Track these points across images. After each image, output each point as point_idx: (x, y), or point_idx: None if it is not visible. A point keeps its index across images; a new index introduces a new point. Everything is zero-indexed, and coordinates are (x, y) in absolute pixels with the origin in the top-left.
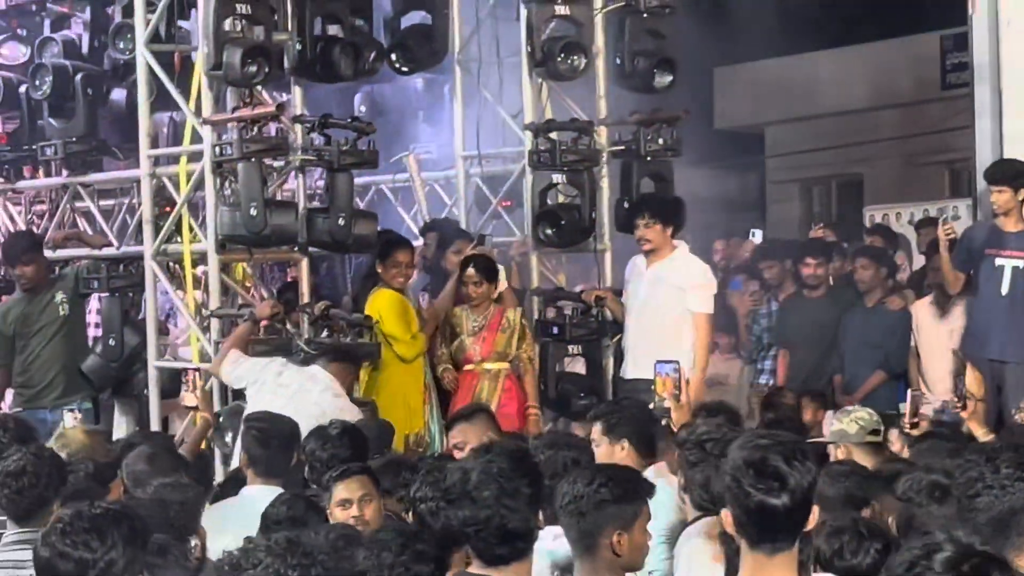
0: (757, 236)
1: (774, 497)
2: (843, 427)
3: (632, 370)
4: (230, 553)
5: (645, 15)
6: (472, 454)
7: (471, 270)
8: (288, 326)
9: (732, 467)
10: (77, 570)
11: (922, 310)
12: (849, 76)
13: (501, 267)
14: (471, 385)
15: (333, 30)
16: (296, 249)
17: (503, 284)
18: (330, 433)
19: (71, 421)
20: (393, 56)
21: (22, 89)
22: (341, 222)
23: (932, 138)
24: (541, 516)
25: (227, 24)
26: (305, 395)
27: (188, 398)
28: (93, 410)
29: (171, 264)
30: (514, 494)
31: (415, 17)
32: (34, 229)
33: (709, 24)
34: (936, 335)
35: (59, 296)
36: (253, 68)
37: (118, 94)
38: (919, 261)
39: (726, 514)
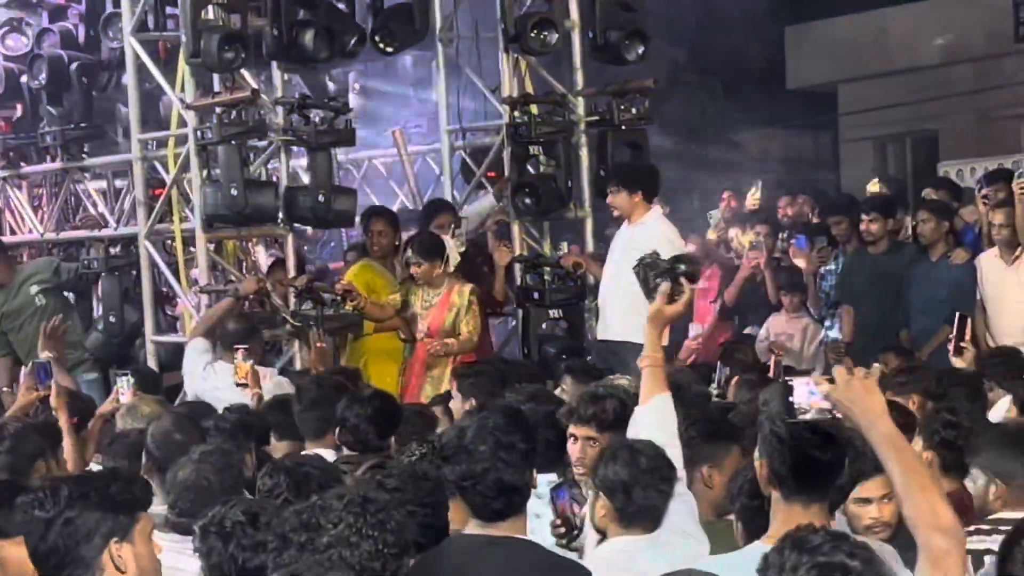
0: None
1: (818, 451)
2: None
3: (602, 331)
4: (306, 511)
5: None
6: (466, 413)
7: (409, 252)
8: (273, 300)
9: (772, 418)
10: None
11: (988, 263)
12: (921, 32)
13: (450, 243)
14: (421, 359)
15: (309, 15)
16: (280, 226)
17: (455, 258)
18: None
19: (127, 389)
20: (377, 37)
21: (23, 79)
22: (321, 199)
23: (1006, 92)
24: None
25: (205, 13)
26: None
27: None
28: (101, 380)
29: (166, 243)
30: (510, 448)
31: None
32: (36, 212)
33: None
34: (1003, 287)
35: (33, 288)
36: (231, 54)
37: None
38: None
39: (760, 464)
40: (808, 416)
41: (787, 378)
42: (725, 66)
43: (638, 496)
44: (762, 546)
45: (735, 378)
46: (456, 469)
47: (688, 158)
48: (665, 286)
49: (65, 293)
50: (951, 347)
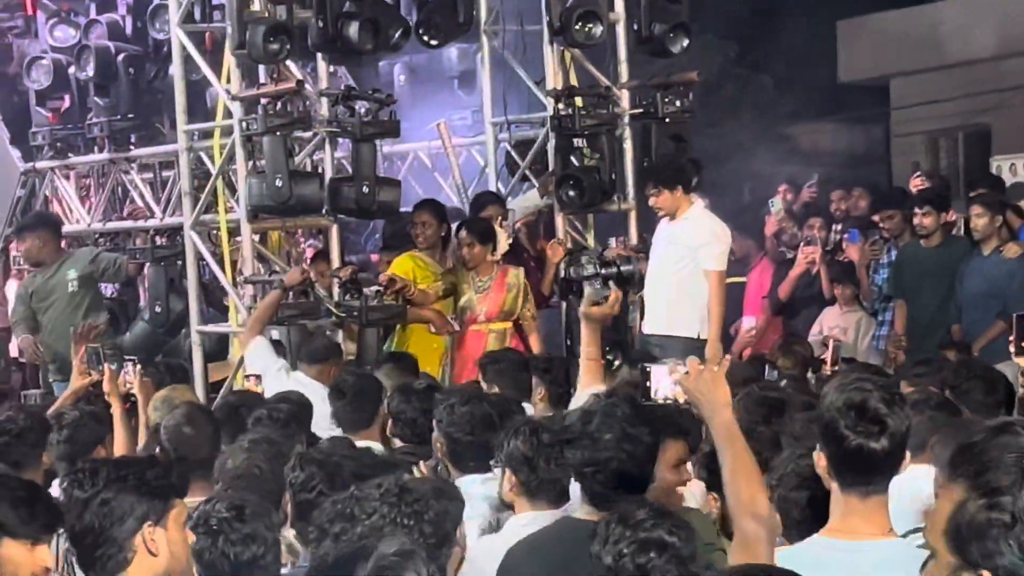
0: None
1: (873, 441)
2: None
3: (648, 325)
4: (342, 502)
5: None
6: (593, 398)
7: (463, 232)
8: (317, 291)
9: (830, 409)
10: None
11: None
12: (974, 25)
13: (500, 230)
14: (479, 345)
15: (354, 7)
16: (325, 217)
17: (503, 247)
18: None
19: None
20: (421, 30)
21: (71, 70)
22: (365, 190)
23: None
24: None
25: (251, 4)
26: None
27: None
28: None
29: (212, 233)
30: (635, 440)
31: None
32: (84, 203)
33: None
34: None
35: (71, 273)
36: (276, 46)
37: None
38: None
39: (819, 456)
40: (660, 400)
41: (646, 365)
42: (777, 60)
43: (541, 470)
44: (823, 539)
45: (783, 381)
46: (578, 455)
47: (739, 152)
48: (589, 291)
49: (100, 286)
50: (1012, 347)
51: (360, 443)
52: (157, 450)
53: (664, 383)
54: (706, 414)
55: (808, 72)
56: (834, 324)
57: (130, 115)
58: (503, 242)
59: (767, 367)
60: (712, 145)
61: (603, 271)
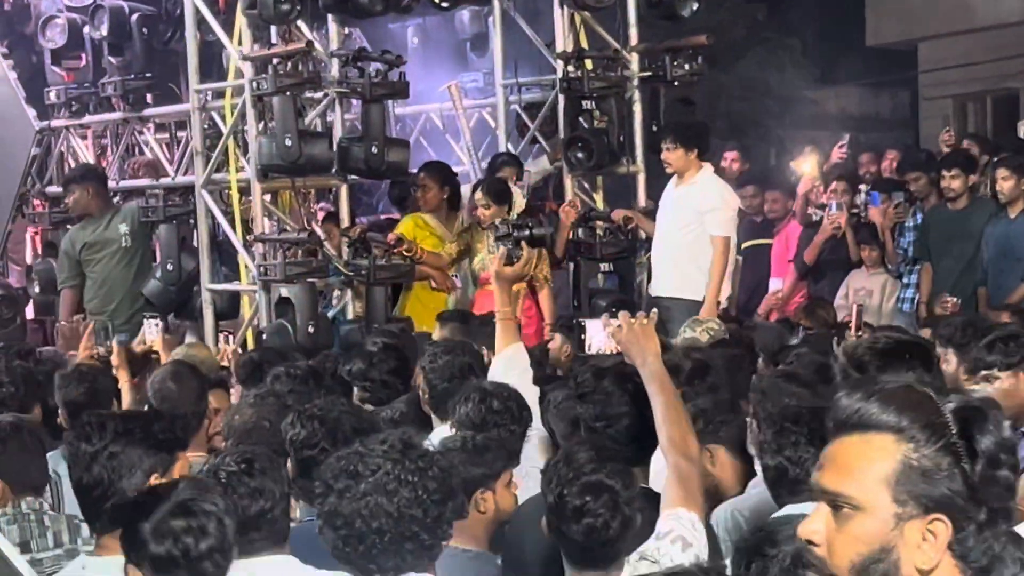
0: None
1: None
2: (696, 335)
3: (655, 288)
4: (345, 458)
5: None
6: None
7: (479, 193)
8: (326, 249)
9: None
10: None
11: None
12: None
13: (516, 190)
14: (491, 304)
15: None
16: (335, 176)
17: (519, 206)
18: (372, 351)
19: (154, 331)
20: None
21: (86, 30)
22: (375, 150)
23: None
24: None
25: None
26: None
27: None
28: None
29: (223, 192)
30: (646, 400)
31: None
32: (101, 162)
33: None
34: None
35: (123, 227)
36: (286, 7)
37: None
38: None
39: None
40: (594, 352)
41: (581, 319)
42: (804, 23)
43: (491, 435)
44: None
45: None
46: (591, 409)
47: (765, 115)
48: (502, 250)
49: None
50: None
51: None
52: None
53: (598, 336)
54: (638, 363)
55: (836, 35)
56: (860, 286)
57: (144, 75)
58: (519, 200)
59: (799, 325)
60: (739, 107)
61: (515, 233)
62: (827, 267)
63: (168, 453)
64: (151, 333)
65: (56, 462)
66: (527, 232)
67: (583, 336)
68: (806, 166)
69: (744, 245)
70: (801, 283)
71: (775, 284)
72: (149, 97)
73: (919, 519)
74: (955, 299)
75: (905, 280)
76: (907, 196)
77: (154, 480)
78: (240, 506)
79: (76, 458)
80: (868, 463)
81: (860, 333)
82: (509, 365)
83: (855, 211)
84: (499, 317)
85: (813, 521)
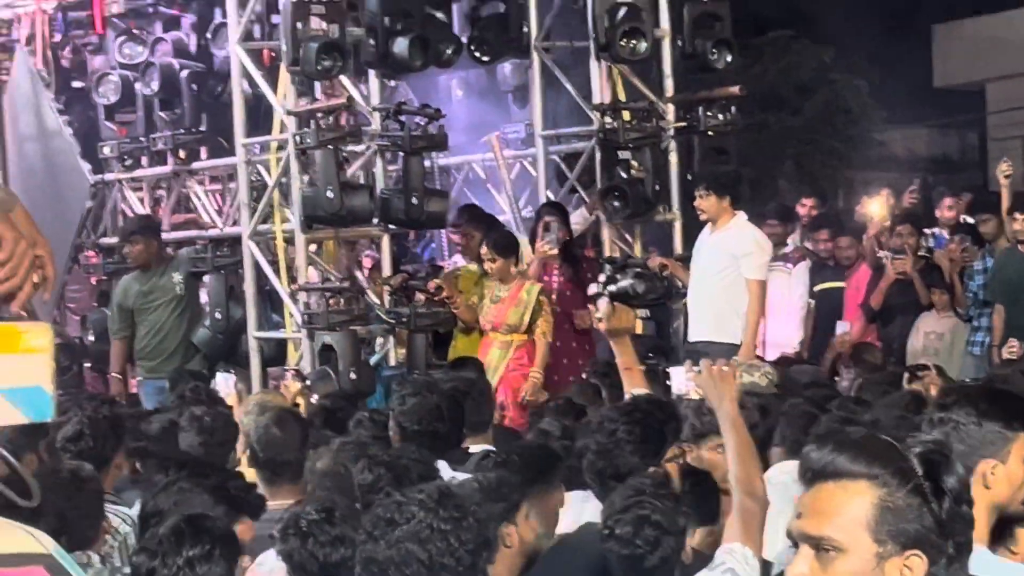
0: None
1: None
2: (755, 379)
3: (693, 333)
4: (384, 506)
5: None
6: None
7: (484, 247)
8: (369, 297)
9: None
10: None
11: None
12: None
13: (524, 242)
14: (485, 352)
15: (405, 25)
16: (376, 227)
17: (529, 258)
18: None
19: (227, 384)
20: (472, 47)
21: (138, 86)
22: (415, 201)
23: None
24: None
25: (305, 23)
26: None
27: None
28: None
29: (269, 243)
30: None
31: (492, 8)
32: (154, 213)
33: None
34: None
35: (176, 276)
36: (328, 63)
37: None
38: None
39: None
40: (682, 396)
41: (666, 367)
42: (871, 65)
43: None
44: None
45: (860, 380)
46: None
47: (833, 157)
48: (603, 306)
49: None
50: None
51: (474, 448)
52: (246, 452)
53: (681, 381)
54: (715, 405)
55: (903, 77)
56: (930, 329)
57: (193, 129)
58: (528, 255)
59: (842, 368)
60: (807, 150)
61: (603, 290)
62: (897, 310)
63: (233, 511)
64: (226, 385)
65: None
66: (614, 288)
67: (668, 381)
68: (874, 208)
69: (816, 288)
70: (871, 327)
71: (841, 327)
72: (204, 150)
73: (897, 556)
74: (1021, 344)
75: (975, 323)
76: (975, 238)
77: None
78: (322, 554)
79: (148, 485)
80: (848, 508)
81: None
82: None
83: (923, 254)
84: (621, 367)
85: (799, 564)
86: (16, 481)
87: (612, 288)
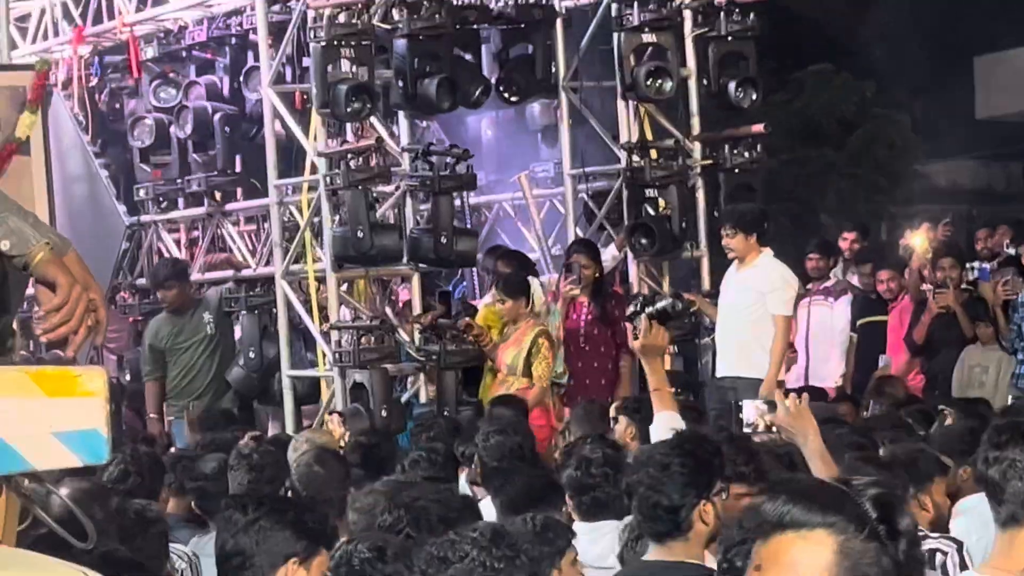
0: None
1: None
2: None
3: (721, 369)
4: (439, 544)
5: (729, 39)
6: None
7: (495, 289)
8: (399, 335)
9: None
10: None
11: None
12: None
13: (536, 284)
14: (496, 391)
15: (433, 67)
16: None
17: (540, 300)
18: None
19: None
20: (501, 87)
21: (172, 129)
22: (444, 240)
23: None
24: None
25: (335, 66)
26: None
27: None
28: (240, 418)
29: (301, 282)
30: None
31: (520, 49)
32: (189, 254)
33: (968, 13)
34: None
35: (206, 316)
36: (358, 104)
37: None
38: None
39: None
40: (751, 431)
41: (738, 400)
42: (913, 98)
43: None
44: None
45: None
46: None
47: (876, 190)
48: (642, 324)
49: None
50: None
51: None
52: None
53: (752, 413)
54: (799, 441)
55: (946, 109)
56: (976, 362)
57: (227, 171)
58: (538, 296)
59: (871, 401)
60: (849, 183)
61: (640, 309)
62: (942, 344)
63: (314, 544)
64: (334, 424)
65: (195, 544)
66: (651, 308)
67: (740, 415)
68: (916, 241)
69: (859, 322)
70: (915, 360)
71: (883, 360)
72: (238, 191)
73: None
74: None
75: (1020, 356)
76: (1019, 271)
77: (292, 567)
78: None
79: (226, 524)
80: (809, 556)
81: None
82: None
83: (966, 287)
84: (653, 387)
85: None
86: (71, 522)
87: (650, 309)
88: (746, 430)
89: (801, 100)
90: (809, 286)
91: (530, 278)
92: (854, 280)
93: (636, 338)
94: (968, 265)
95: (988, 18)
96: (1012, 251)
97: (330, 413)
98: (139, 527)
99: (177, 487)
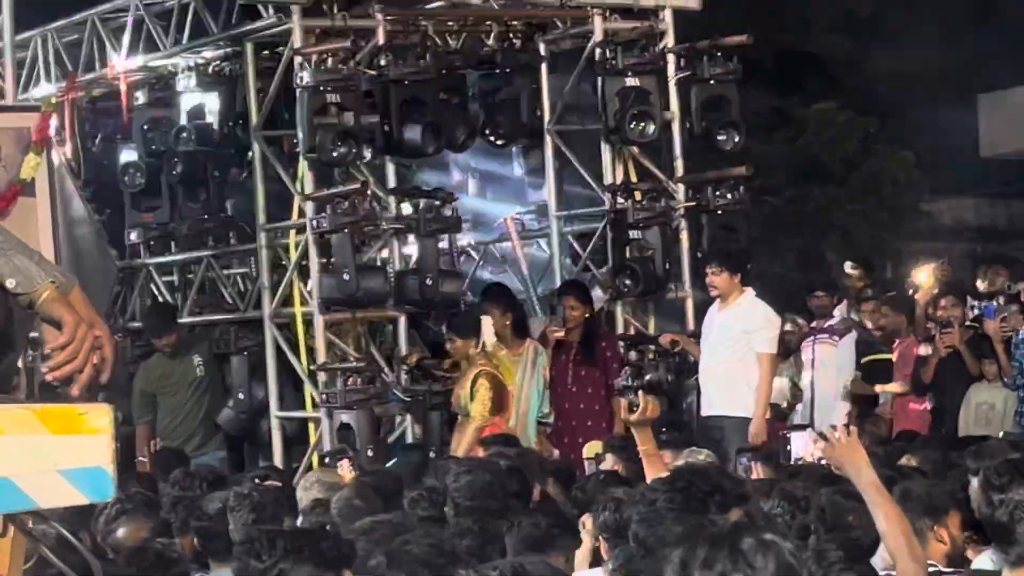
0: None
1: None
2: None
3: (706, 408)
4: None
5: (711, 82)
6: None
7: (445, 327)
8: (385, 376)
9: None
10: None
11: None
12: None
13: (487, 324)
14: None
15: (418, 112)
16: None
17: (490, 340)
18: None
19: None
20: (487, 131)
21: (162, 174)
22: (429, 282)
23: None
24: None
25: (322, 112)
26: None
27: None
28: (228, 459)
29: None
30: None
31: (506, 93)
32: (181, 297)
33: (971, 51)
34: None
35: (196, 359)
36: (343, 149)
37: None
38: None
39: None
40: (801, 462)
41: (786, 432)
42: (917, 135)
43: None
44: None
45: None
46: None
47: (879, 227)
48: (623, 402)
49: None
50: None
51: None
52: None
53: (800, 447)
54: (851, 474)
55: (950, 147)
56: (983, 399)
57: (218, 214)
58: (488, 337)
59: None
60: (853, 222)
61: (634, 383)
62: (949, 380)
63: (335, 571)
64: (344, 469)
65: None
66: (644, 381)
67: (788, 447)
68: (921, 278)
69: (864, 360)
70: (921, 398)
71: (884, 396)
72: (229, 234)
73: None
74: None
75: (1021, 394)
76: (1020, 308)
77: None
78: None
79: (246, 572)
80: None
81: None
82: None
83: (970, 324)
84: (644, 455)
85: None
86: (77, 562)
87: (641, 382)
88: (795, 462)
89: (805, 138)
90: (813, 324)
91: (483, 317)
92: (857, 318)
93: (632, 411)
94: (971, 303)
95: (993, 56)
96: (1012, 290)
97: (339, 458)
98: (159, 567)
99: (179, 527)
